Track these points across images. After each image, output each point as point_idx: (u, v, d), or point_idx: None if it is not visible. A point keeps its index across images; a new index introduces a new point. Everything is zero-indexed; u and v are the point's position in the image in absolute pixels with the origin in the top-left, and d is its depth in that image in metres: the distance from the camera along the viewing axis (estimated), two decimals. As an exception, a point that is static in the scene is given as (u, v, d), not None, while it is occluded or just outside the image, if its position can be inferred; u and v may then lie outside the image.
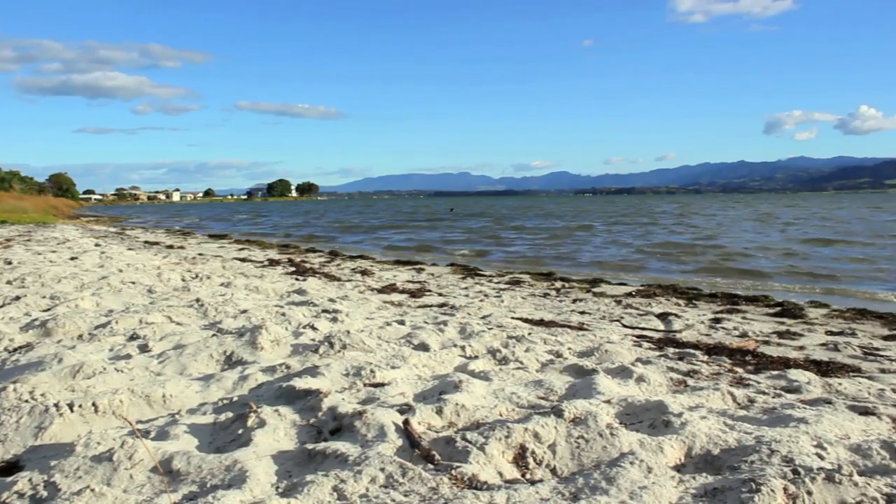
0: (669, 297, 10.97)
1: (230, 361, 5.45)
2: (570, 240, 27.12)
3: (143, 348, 5.76)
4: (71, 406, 3.90)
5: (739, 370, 5.49)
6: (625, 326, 8.02)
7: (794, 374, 5.18)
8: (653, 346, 6.57)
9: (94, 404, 3.98)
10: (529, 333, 6.64)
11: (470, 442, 3.30)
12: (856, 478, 2.78)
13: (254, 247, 23.73)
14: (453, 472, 2.97)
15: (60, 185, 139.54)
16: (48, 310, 7.58)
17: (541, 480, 3.04)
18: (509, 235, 30.82)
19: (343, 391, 4.35)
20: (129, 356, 5.47)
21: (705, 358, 5.91)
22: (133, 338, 6.21)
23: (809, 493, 2.70)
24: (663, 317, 8.75)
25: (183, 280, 10.98)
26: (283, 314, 7.11)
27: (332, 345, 5.63)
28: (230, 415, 3.85)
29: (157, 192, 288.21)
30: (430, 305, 9.56)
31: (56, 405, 3.91)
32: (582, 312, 9.26)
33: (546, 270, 15.67)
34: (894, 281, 13.64)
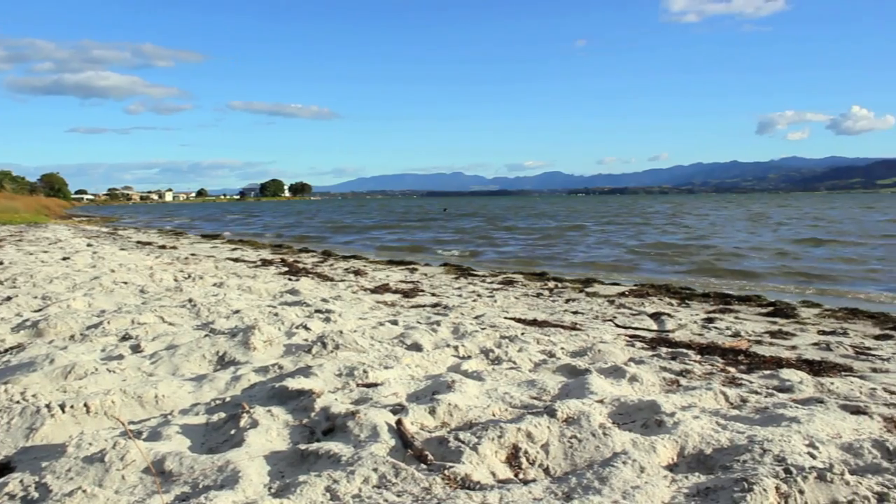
0: (662, 296, 10.99)
1: (223, 362, 5.44)
2: (562, 240, 27.15)
3: (136, 349, 5.74)
4: (63, 407, 3.89)
5: (732, 370, 5.50)
6: (618, 326, 8.03)
7: (786, 373, 5.19)
8: (646, 345, 6.58)
9: (85, 405, 3.96)
10: (522, 333, 6.64)
11: (463, 442, 3.29)
12: (847, 477, 2.79)
13: (246, 247, 23.69)
14: (446, 472, 2.97)
15: (52, 185, 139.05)
16: (40, 310, 7.55)
17: (534, 480, 3.04)
18: (502, 235, 30.84)
19: (336, 391, 4.34)
20: (121, 356, 5.46)
21: (698, 357, 5.92)
22: (125, 338, 6.19)
23: (801, 492, 2.70)
24: (656, 316, 8.77)
25: (175, 280, 10.95)
26: (276, 314, 7.09)
27: (324, 345, 5.62)
28: (223, 415, 3.83)
29: (149, 192, 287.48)
30: (424, 305, 9.55)
31: (48, 406, 3.89)
32: (575, 312, 9.27)
33: (539, 270, 15.68)
34: (886, 281, 13.69)
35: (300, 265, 15.90)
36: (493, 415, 3.91)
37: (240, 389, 4.59)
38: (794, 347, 6.90)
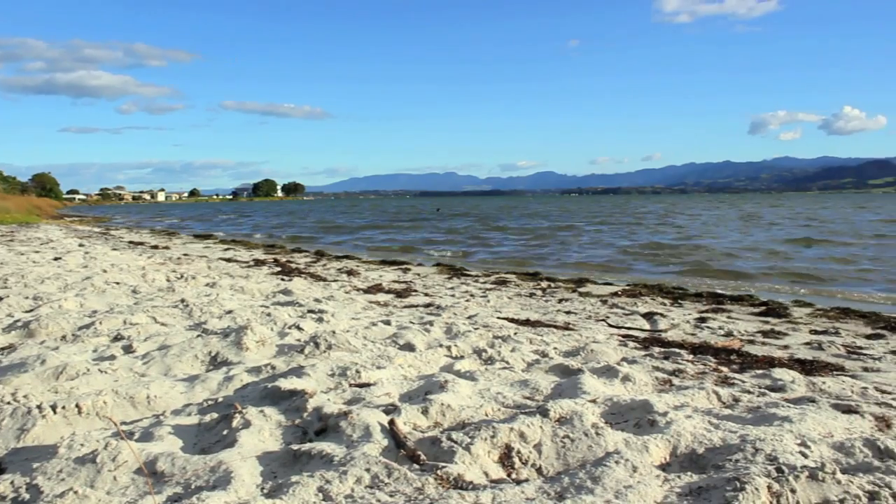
0: (655, 296, 11.01)
1: (215, 362, 5.43)
2: (555, 240, 27.16)
3: (128, 349, 5.73)
4: (54, 407, 3.87)
5: (724, 369, 5.52)
6: (610, 326, 8.04)
7: (778, 372, 5.20)
8: (638, 345, 6.59)
9: (77, 406, 3.95)
10: (515, 333, 6.65)
11: (455, 442, 3.29)
12: (839, 476, 2.79)
13: (239, 247, 23.65)
14: (439, 472, 2.97)
15: (44, 185, 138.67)
16: (31, 310, 7.53)
17: (526, 480, 3.04)
18: (495, 235, 30.84)
19: (328, 391, 4.34)
20: (113, 357, 5.44)
21: (690, 357, 5.94)
22: (117, 338, 6.17)
23: (793, 491, 2.71)
24: (649, 316, 8.78)
25: (168, 280, 10.92)
26: (269, 314, 7.08)
27: (317, 345, 5.62)
28: (215, 415, 3.83)
29: (141, 192, 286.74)
30: (416, 305, 9.55)
31: (39, 407, 3.88)
32: (568, 312, 9.28)
33: (532, 270, 15.69)
34: (878, 280, 13.75)
35: (293, 265, 15.87)
36: (486, 415, 3.91)
37: (232, 390, 4.58)
38: (786, 347, 6.92)
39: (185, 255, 18.51)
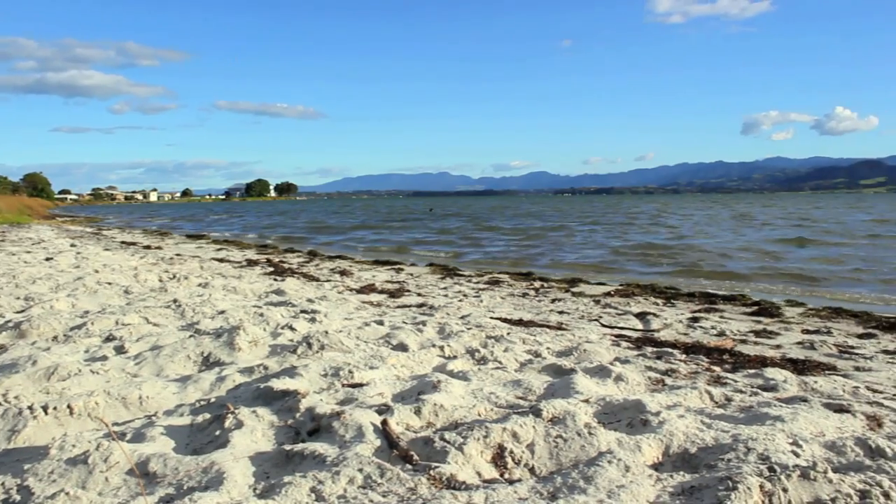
0: (648, 296, 11.02)
1: (207, 362, 5.42)
2: (548, 240, 27.18)
3: (120, 349, 5.71)
4: (45, 408, 3.86)
5: (717, 369, 5.53)
6: (603, 326, 8.05)
7: (770, 372, 5.22)
8: (631, 345, 6.60)
9: (69, 406, 3.94)
10: (508, 333, 6.65)
11: (448, 442, 3.29)
12: (830, 475, 2.80)
13: (232, 247, 23.61)
14: (431, 472, 2.97)
15: (35, 185, 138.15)
16: (22, 311, 7.50)
17: (519, 480, 3.04)
18: (488, 236, 30.84)
19: (321, 392, 4.33)
20: (105, 357, 5.43)
21: (683, 357, 5.95)
22: (109, 339, 6.15)
23: (785, 490, 2.72)
24: (642, 316, 8.80)
25: (160, 280, 10.90)
26: (262, 315, 7.07)
27: (310, 345, 5.61)
28: (207, 416, 3.82)
29: (134, 192, 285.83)
30: (409, 305, 9.55)
31: (30, 408, 3.86)
32: (561, 312, 9.29)
33: (525, 270, 15.69)
34: (870, 280, 13.79)
35: (286, 265, 15.85)
36: (479, 415, 3.91)
37: (225, 390, 4.57)
38: (778, 346, 6.94)
39: (177, 255, 18.47)
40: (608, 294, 11.30)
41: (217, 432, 3.59)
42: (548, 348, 6.10)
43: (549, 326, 7.65)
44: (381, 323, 7.08)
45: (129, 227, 44.90)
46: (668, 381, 5.00)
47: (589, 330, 7.58)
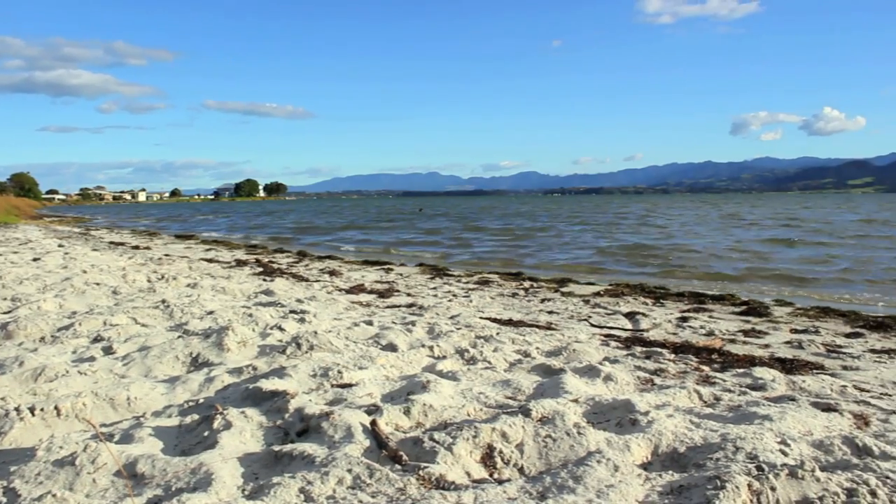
0: (637, 296, 11.05)
1: (196, 363, 5.40)
2: (538, 240, 27.20)
3: (108, 350, 5.69)
4: (32, 410, 3.84)
5: (706, 368, 5.55)
6: (593, 326, 8.06)
7: (759, 371, 5.24)
8: (620, 345, 6.61)
9: (56, 408, 3.92)
10: (498, 333, 6.65)
11: (437, 442, 3.29)
12: (818, 473, 2.82)
13: (221, 247, 23.53)
14: (421, 472, 2.96)
15: (22, 185, 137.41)
16: (9, 312, 7.46)
17: (508, 480, 3.05)
18: (478, 236, 30.85)
19: (310, 392, 4.32)
20: (92, 358, 5.40)
21: (672, 356, 5.96)
22: (97, 340, 6.13)
23: (773, 488, 2.73)
24: (631, 316, 8.82)
25: (148, 281, 10.85)
26: (251, 315, 7.05)
27: (299, 346, 5.60)
28: (196, 417, 3.80)
29: (122, 191, 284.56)
30: (399, 306, 9.54)
31: (17, 409, 3.84)
32: (550, 312, 9.30)
33: (515, 270, 15.70)
34: (857, 280, 13.86)
35: (275, 266, 15.82)
36: (468, 415, 3.91)
37: (213, 391, 4.56)
38: (767, 346, 6.97)
39: (166, 255, 18.40)
40: (597, 294, 11.32)
41: (206, 433, 3.58)
42: (537, 348, 6.10)
43: (538, 326, 7.66)
44: (370, 323, 7.07)
45: (115, 227, 44.70)
46: (657, 380, 5.01)
47: (578, 330, 7.59)
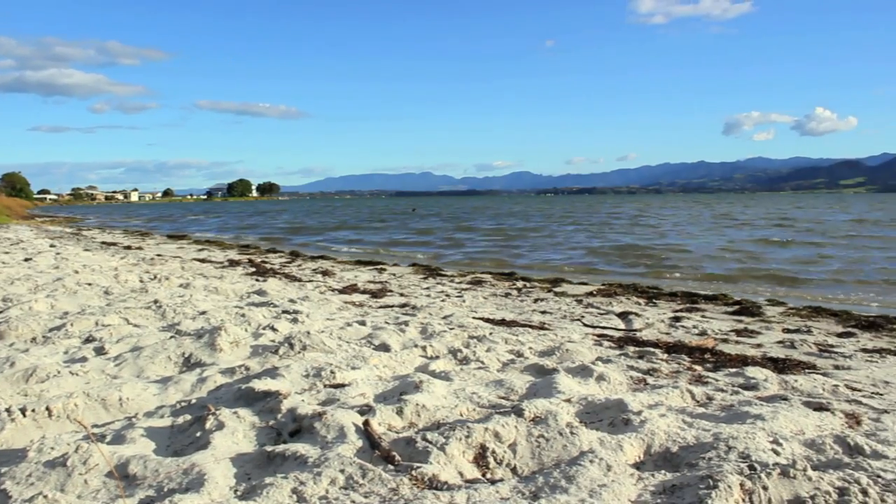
0: (630, 296, 11.06)
1: (188, 363, 5.39)
2: (531, 240, 27.22)
3: (100, 351, 5.67)
4: (23, 411, 3.82)
5: (698, 368, 5.56)
6: (586, 325, 8.07)
7: (751, 371, 5.25)
8: (613, 344, 6.62)
9: (47, 408, 3.90)
10: (491, 333, 6.65)
11: (430, 442, 3.29)
12: (809, 472, 2.82)
13: (213, 247, 23.49)
14: (413, 472, 2.96)
15: (14, 185, 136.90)
16: (0, 312, 7.42)
17: (501, 480, 3.04)
18: (470, 236, 30.85)
19: (303, 392, 4.32)
20: (84, 359, 5.38)
21: (665, 356, 5.97)
22: (89, 340, 6.11)
23: (765, 488, 2.74)
24: (624, 316, 8.83)
25: (141, 281, 10.82)
26: (243, 315, 7.03)
27: (292, 346, 5.59)
28: (188, 417, 3.79)
29: (114, 192, 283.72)
30: (392, 306, 9.53)
31: (8, 410, 3.82)
32: (543, 312, 9.30)
33: (508, 270, 15.71)
34: (849, 280, 13.91)
35: (268, 266, 15.79)
36: (461, 415, 3.91)
37: (206, 391, 4.55)
38: (759, 345, 6.98)
39: (158, 255, 18.36)
40: (590, 294, 11.33)
41: (198, 433, 3.57)
42: (530, 348, 6.11)
43: (531, 326, 7.66)
44: (363, 323, 7.06)
45: (107, 227, 44.55)
46: (650, 380, 5.02)
47: (571, 330, 7.60)
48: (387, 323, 7.14)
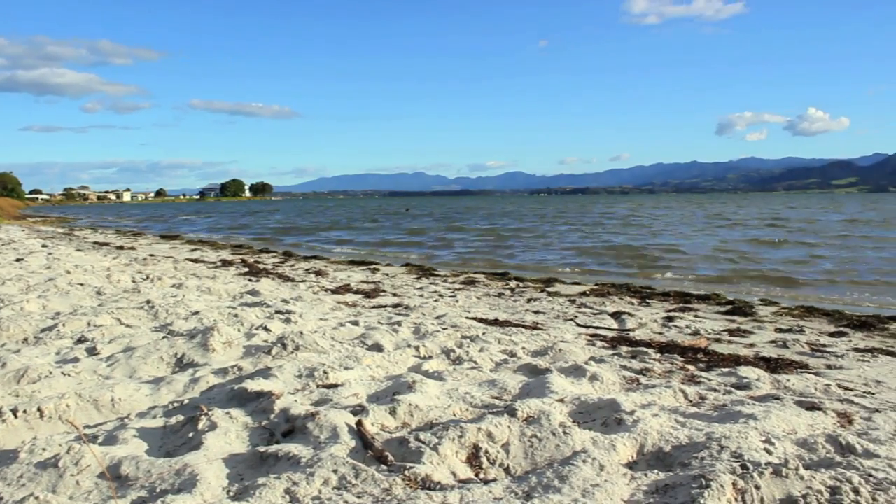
0: (623, 296, 11.07)
1: (181, 364, 5.38)
2: (524, 240, 27.23)
3: (92, 351, 5.65)
4: (15, 412, 3.81)
5: (691, 368, 5.57)
6: (579, 325, 8.08)
7: (744, 370, 5.27)
8: (606, 344, 6.63)
9: (39, 409, 3.89)
10: (484, 333, 6.65)
11: (423, 442, 3.29)
12: (802, 472, 2.83)
13: (206, 247, 23.44)
14: (406, 472, 2.96)
15: (5, 185, 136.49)
16: (-8, 313, 7.40)
17: (494, 480, 3.05)
18: (463, 236, 30.86)
19: (296, 393, 4.31)
20: (76, 359, 5.37)
21: (658, 356, 5.98)
22: (81, 341, 6.09)
23: (757, 487, 2.74)
24: (617, 315, 8.84)
25: (133, 281, 10.80)
26: (236, 315, 7.02)
27: (284, 346, 5.58)
28: (181, 418, 3.79)
29: (107, 191, 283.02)
30: (385, 306, 9.53)
31: (-1, 410, 3.81)
32: (536, 312, 9.31)
33: (501, 270, 15.71)
34: (841, 279, 13.95)
35: (261, 266, 15.77)
36: (454, 415, 3.91)
37: (198, 391, 4.54)
38: (752, 345, 7.00)
39: (151, 255, 18.32)
40: (584, 294, 11.34)
41: (190, 434, 3.56)
42: (523, 348, 6.11)
43: (524, 326, 7.66)
44: (356, 323, 7.06)
45: (99, 227, 44.41)
46: (643, 380, 5.03)
47: (564, 329, 7.61)
48: (380, 323, 7.14)
